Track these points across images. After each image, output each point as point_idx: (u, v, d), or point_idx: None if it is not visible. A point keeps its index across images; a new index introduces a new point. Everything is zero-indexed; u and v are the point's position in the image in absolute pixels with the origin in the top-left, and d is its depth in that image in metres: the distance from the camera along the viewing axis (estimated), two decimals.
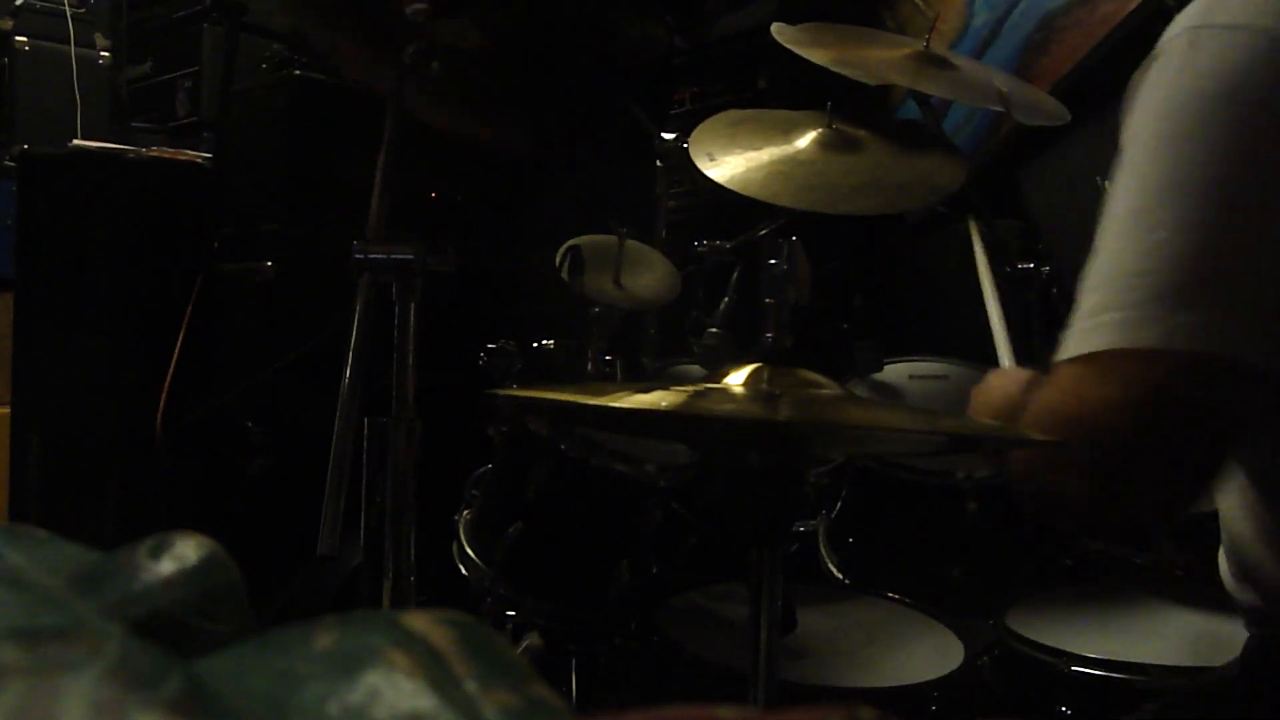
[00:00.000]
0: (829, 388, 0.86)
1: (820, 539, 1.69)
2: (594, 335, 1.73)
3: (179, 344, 2.31)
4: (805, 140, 1.47)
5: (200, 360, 2.34)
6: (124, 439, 2.34)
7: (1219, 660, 1.16)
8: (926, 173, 1.50)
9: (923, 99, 1.71)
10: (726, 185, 1.42)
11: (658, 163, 2.03)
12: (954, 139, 1.98)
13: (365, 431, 1.14)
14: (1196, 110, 0.85)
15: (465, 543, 1.64)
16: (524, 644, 1.48)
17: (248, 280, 2.36)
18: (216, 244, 2.42)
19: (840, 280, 2.27)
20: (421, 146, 1.42)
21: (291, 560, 1.91)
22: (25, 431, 2.47)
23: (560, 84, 1.43)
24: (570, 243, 1.72)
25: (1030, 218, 2.11)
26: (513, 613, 1.56)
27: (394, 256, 1.15)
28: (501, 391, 1.57)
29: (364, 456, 1.14)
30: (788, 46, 1.53)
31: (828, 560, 1.67)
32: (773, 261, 1.46)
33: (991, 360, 1.46)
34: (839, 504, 1.73)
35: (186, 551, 0.33)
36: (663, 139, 1.99)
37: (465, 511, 1.69)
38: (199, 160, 2.50)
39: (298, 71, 2.37)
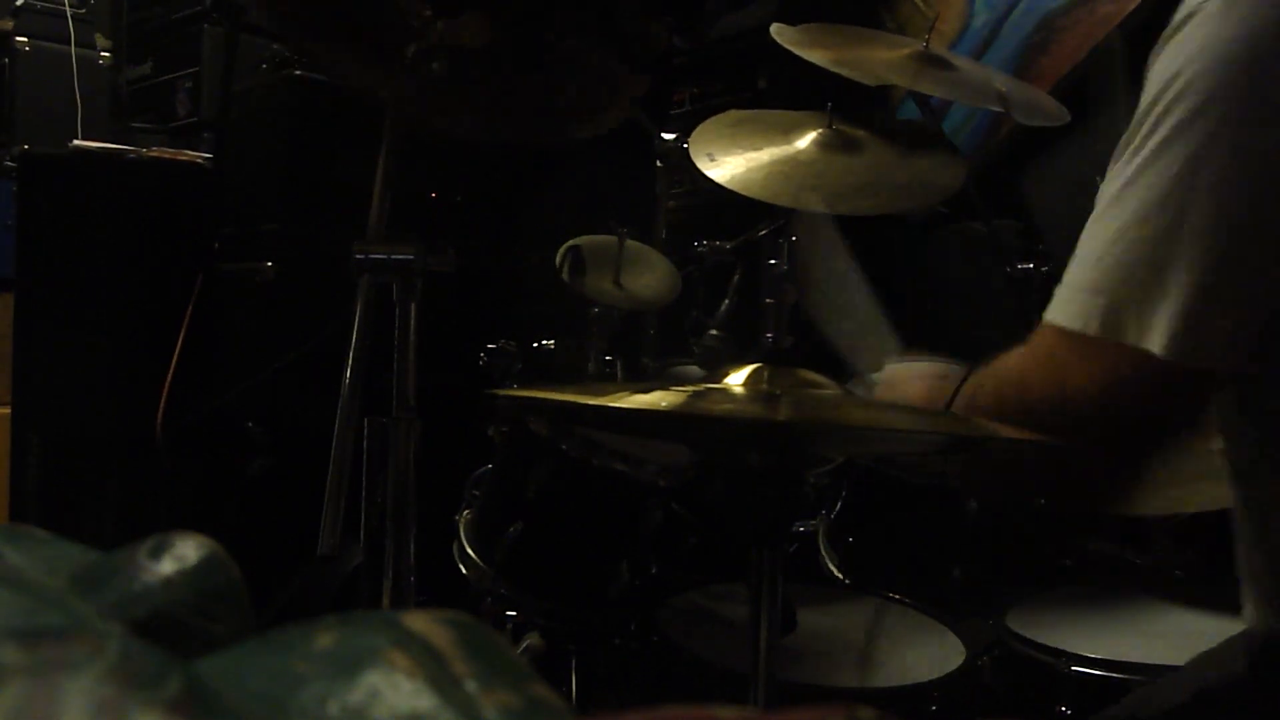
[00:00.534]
0: (829, 388, 0.86)
1: (820, 539, 1.69)
2: (594, 335, 1.73)
3: (179, 344, 2.31)
4: (805, 140, 1.46)
5: (200, 360, 2.34)
6: (124, 439, 2.34)
7: None
8: (926, 173, 1.50)
9: (923, 99, 1.70)
10: (726, 185, 1.42)
11: (658, 163, 2.02)
12: (954, 139, 1.98)
13: (365, 431, 1.14)
14: (1236, 71, 0.83)
15: (465, 543, 1.64)
16: (524, 644, 1.48)
17: (248, 280, 2.36)
18: (216, 244, 2.42)
19: None
20: (421, 146, 1.42)
21: (291, 560, 1.91)
22: (25, 432, 2.46)
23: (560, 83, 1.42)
24: (570, 243, 1.71)
25: (1030, 218, 2.11)
26: (513, 613, 1.56)
27: (394, 257, 1.15)
28: (501, 391, 1.57)
29: (364, 456, 1.14)
30: (787, 47, 1.53)
31: (828, 560, 1.68)
32: (773, 261, 1.46)
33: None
34: (839, 504, 1.73)
35: (186, 551, 0.33)
36: (663, 139, 1.99)
37: (465, 511, 1.69)
38: (199, 160, 2.50)
39: (298, 71, 2.37)
